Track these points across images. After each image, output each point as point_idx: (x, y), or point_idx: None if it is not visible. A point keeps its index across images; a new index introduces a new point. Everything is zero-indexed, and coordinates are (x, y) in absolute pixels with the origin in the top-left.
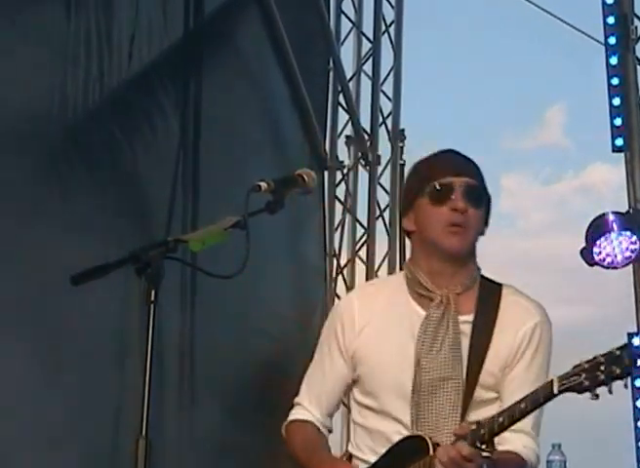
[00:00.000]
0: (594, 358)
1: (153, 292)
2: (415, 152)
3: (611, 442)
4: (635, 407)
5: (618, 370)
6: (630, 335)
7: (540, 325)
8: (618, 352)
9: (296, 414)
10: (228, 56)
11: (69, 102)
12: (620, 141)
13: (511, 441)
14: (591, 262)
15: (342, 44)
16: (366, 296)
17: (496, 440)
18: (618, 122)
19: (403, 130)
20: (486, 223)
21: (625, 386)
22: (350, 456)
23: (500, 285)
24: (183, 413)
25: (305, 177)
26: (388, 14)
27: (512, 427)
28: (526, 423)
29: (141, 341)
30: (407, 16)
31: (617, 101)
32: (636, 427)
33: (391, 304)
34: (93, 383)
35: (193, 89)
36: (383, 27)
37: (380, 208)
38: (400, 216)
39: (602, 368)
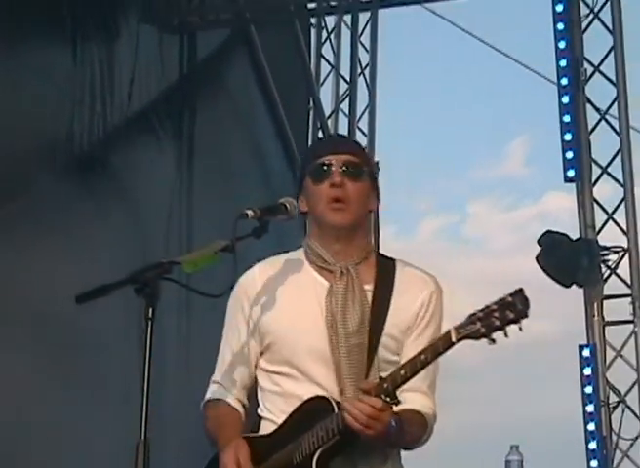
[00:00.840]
0: (487, 306)
1: (151, 310)
2: (388, 183)
3: (564, 442)
4: (585, 411)
5: (511, 315)
6: (581, 347)
7: (435, 292)
8: (510, 298)
9: (210, 393)
10: (219, 95)
11: (75, 136)
12: (571, 173)
13: (411, 400)
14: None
15: (322, 85)
16: (267, 270)
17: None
18: (569, 155)
19: (377, 162)
20: (377, 198)
21: (520, 329)
22: (260, 419)
23: (393, 259)
24: (182, 416)
25: (288, 206)
26: (364, 57)
27: (411, 387)
28: (423, 383)
29: (141, 353)
30: (381, 58)
31: (568, 137)
32: (585, 430)
33: (294, 276)
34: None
35: (187, 125)
36: (359, 70)
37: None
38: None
39: (496, 314)
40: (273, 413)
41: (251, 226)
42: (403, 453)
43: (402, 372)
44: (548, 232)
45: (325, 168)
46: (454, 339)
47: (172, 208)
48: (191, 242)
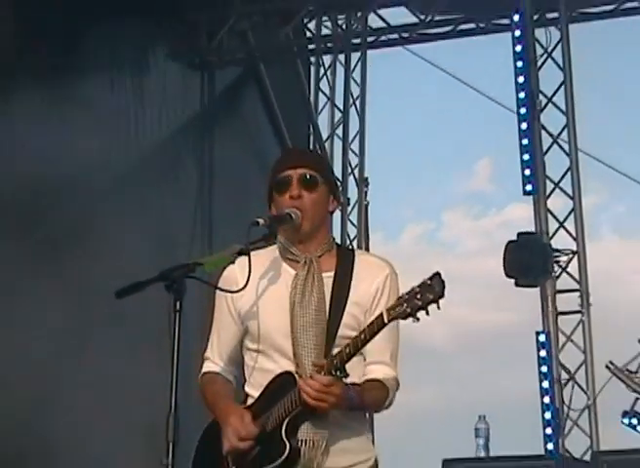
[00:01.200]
0: (412, 289)
1: (178, 304)
2: (376, 195)
3: (524, 413)
4: (541, 387)
5: (431, 296)
6: (537, 334)
7: (390, 275)
8: (429, 282)
9: (205, 367)
10: (234, 122)
11: (112, 158)
12: (529, 187)
13: (374, 371)
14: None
15: (320, 113)
16: (242, 265)
17: (364, 371)
18: (527, 172)
19: (367, 178)
20: (336, 200)
21: (438, 308)
22: (247, 395)
23: (353, 250)
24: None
25: (292, 215)
26: (355, 90)
27: (375, 359)
28: (384, 356)
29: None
30: (369, 91)
31: (526, 157)
32: (542, 402)
33: (267, 268)
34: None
35: (207, 146)
36: (351, 101)
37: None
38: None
39: (418, 296)
40: (254, 388)
41: (261, 232)
42: (379, 416)
43: (347, 350)
44: (520, 234)
45: (285, 181)
46: (386, 320)
47: (195, 217)
48: (211, 246)
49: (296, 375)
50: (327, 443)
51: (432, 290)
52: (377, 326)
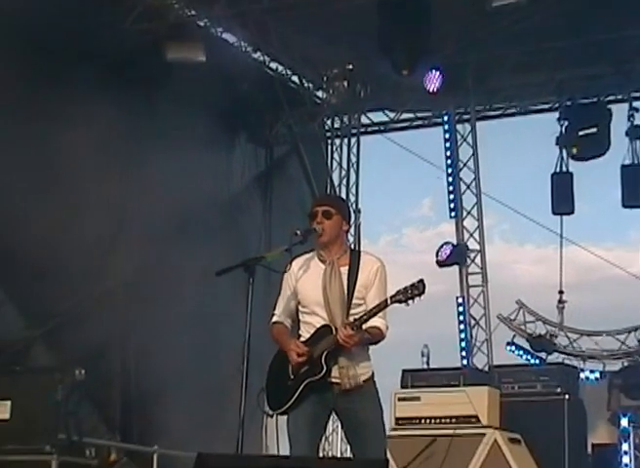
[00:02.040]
0: (406, 287)
1: (251, 280)
2: (364, 218)
3: (450, 343)
4: (459, 328)
5: (417, 292)
6: (457, 298)
7: (380, 267)
8: (417, 283)
9: (274, 318)
10: (284, 179)
11: (215, 199)
12: (453, 214)
13: (373, 321)
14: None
15: (333, 172)
16: (298, 262)
17: (369, 322)
18: (452, 205)
19: (360, 208)
20: (348, 223)
21: (420, 299)
22: (299, 336)
23: (359, 251)
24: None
25: (317, 229)
26: (354, 160)
27: (376, 316)
28: (382, 315)
29: (244, 305)
30: (363, 158)
31: (452, 196)
32: (459, 337)
33: (310, 265)
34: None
35: (269, 194)
36: (351, 166)
37: None
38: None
39: (409, 291)
40: (303, 335)
41: (298, 239)
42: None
43: (364, 317)
44: (452, 245)
45: (314, 213)
46: (389, 303)
47: (260, 237)
48: (268, 247)
49: (332, 327)
50: (352, 363)
51: (418, 289)
52: (384, 305)
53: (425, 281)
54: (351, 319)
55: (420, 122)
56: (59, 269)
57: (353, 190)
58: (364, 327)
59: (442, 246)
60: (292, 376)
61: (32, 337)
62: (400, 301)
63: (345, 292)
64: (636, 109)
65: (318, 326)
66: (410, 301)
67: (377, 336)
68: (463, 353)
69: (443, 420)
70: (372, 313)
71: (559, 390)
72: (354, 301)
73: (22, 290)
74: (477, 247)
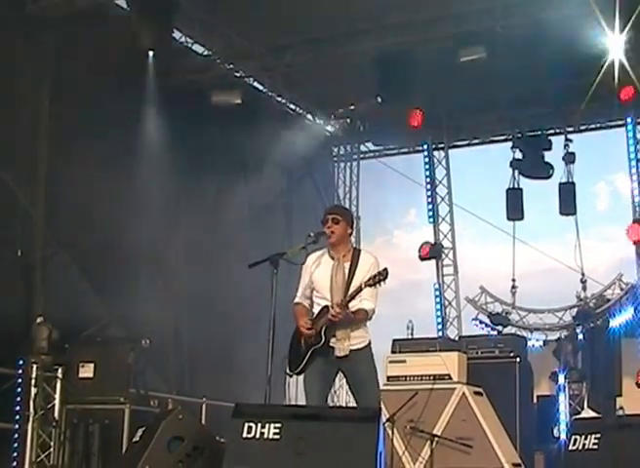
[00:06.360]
0: (374, 275)
1: (275, 271)
2: (363, 224)
3: (429, 318)
4: (436, 308)
5: (381, 277)
6: (434, 284)
7: (374, 263)
8: (383, 271)
9: (295, 301)
10: (302, 194)
11: (255, 213)
12: (431, 220)
13: (362, 304)
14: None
15: (339, 189)
16: (312, 257)
17: (354, 305)
18: (430, 213)
19: (359, 216)
20: (351, 227)
21: (384, 283)
22: (313, 314)
23: (360, 250)
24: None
25: (327, 232)
26: (354, 181)
27: (364, 299)
28: (368, 297)
29: (269, 291)
30: (362, 181)
31: (430, 206)
32: (435, 314)
33: (322, 260)
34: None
35: (290, 207)
36: (352, 186)
37: None
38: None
39: (376, 277)
40: (315, 310)
41: (312, 239)
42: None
43: (347, 299)
44: (431, 244)
45: (325, 219)
46: (363, 286)
47: (284, 235)
48: (290, 245)
49: (329, 306)
50: (346, 336)
51: (382, 275)
52: (359, 289)
53: (389, 269)
54: (349, 297)
55: (405, 150)
56: (129, 269)
57: (355, 202)
58: (354, 309)
59: (423, 244)
60: (303, 346)
61: (110, 317)
62: (371, 285)
63: (346, 282)
64: (570, 140)
65: (323, 305)
66: (377, 285)
67: (361, 317)
68: (439, 326)
69: (423, 378)
70: (352, 295)
71: (512, 355)
72: (350, 290)
73: (103, 283)
74: (450, 245)
